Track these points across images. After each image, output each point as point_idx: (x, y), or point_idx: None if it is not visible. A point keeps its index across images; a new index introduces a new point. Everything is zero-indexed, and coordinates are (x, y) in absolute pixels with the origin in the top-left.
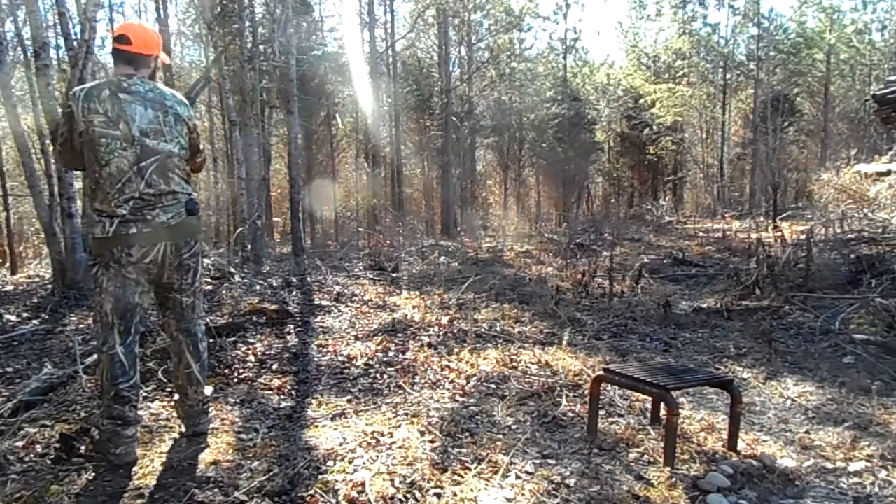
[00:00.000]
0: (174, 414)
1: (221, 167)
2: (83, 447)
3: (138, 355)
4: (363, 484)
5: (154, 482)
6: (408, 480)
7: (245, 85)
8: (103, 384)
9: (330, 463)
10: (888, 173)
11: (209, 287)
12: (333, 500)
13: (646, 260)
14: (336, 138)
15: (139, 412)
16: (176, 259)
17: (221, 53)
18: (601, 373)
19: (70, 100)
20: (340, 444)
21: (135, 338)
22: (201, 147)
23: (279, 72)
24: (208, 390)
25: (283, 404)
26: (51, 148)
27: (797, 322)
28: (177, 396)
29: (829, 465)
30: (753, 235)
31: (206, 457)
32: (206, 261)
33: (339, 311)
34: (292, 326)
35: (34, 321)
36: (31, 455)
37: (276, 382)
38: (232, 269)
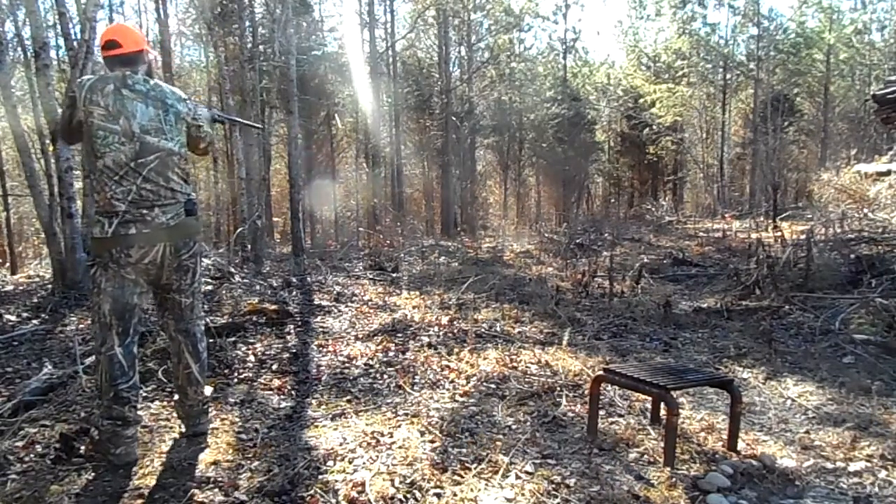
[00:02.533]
0: (174, 414)
1: (221, 167)
2: (83, 447)
3: (137, 356)
4: (363, 484)
5: (154, 482)
6: (408, 480)
7: (245, 85)
8: (102, 385)
9: (330, 463)
10: (888, 173)
11: (209, 287)
12: (333, 500)
13: (646, 260)
14: (336, 138)
15: (139, 412)
16: (175, 260)
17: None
18: (601, 373)
19: (76, 87)
20: (340, 444)
21: (133, 338)
22: (202, 135)
23: (279, 72)
24: (208, 390)
25: (283, 404)
26: (51, 148)
27: (797, 322)
28: (177, 396)
29: (829, 465)
30: (753, 235)
31: (206, 457)
32: (205, 261)
33: (339, 311)
34: (292, 326)
35: (34, 321)
36: (31, 455)
37: (276, 382)
38: (232, 269)
